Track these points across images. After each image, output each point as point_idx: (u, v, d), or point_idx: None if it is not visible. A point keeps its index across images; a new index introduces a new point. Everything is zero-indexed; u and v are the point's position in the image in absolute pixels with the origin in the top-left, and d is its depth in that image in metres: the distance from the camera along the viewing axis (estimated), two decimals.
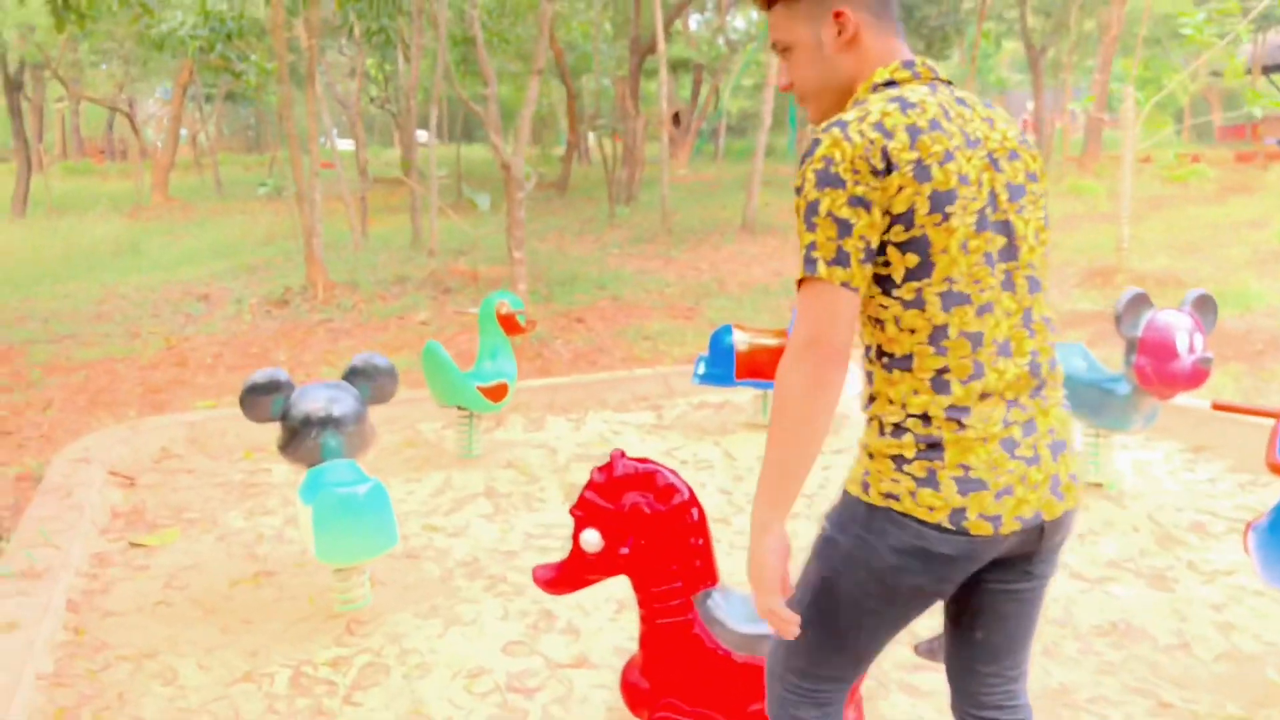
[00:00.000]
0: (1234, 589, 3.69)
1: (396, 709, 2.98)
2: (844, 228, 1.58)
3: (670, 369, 6.89)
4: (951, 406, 1.64)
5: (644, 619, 2.33)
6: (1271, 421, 2.95)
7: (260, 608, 3.68)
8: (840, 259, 1.58)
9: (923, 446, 1.64)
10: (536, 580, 2.37)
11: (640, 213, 16.46)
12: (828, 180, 1.58)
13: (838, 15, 1.72)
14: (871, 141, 1.59)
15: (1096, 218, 14.47)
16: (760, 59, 32.58)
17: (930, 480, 1.63)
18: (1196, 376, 4.24)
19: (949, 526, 1.62)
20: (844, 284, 1.59)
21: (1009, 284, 1.68)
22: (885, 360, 1.69)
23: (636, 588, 2.31)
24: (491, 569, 3.98)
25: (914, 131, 1.61)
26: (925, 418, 1.65)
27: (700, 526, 2.31)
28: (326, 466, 3.65)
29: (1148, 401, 4.47)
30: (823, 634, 1.77)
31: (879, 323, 1.68)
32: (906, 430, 1.65)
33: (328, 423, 3.69)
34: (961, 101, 1.71)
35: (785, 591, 1.68)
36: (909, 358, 1.66)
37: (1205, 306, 4.41)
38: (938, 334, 1.64)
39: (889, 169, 1.58)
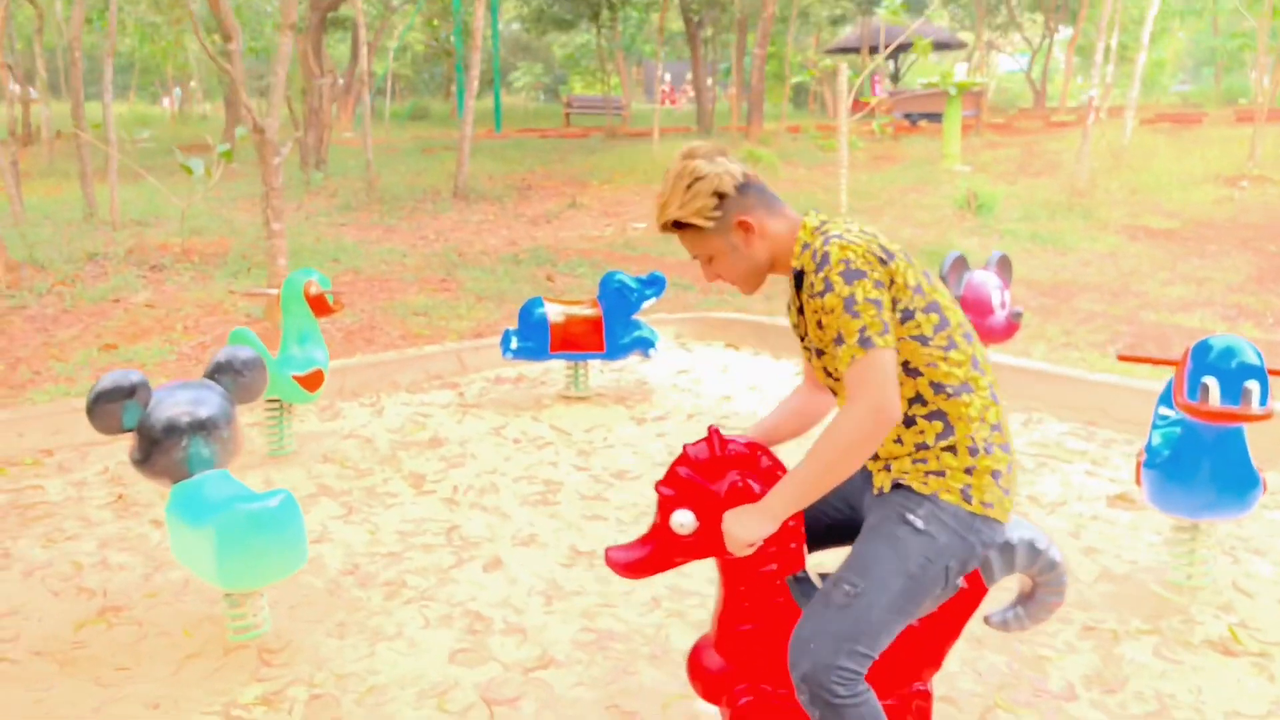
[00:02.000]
0: (1075, 517, 4.15)
1: None
2: (878, 305, 1.96)
3: (459, 344, 6.60)
4: (1003, 411, 2.09)
5: (729, 600, 2.21)
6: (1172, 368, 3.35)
7: (126, 650, 3.14)
8: (885, 329, 1.96)
9: (1006, 457, 2.07)
10: (613, 563, 2.17)
11: (334, 179, 15.54)
12: (853, 275, 1.96)
13: (742, 225, 2.12)
14: (868, 240, 2.01)
15: (779, 184, 15.51)
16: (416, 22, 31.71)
17: (1009, 490, 2.08)
18: (1010, 330, 4.68)
19: (1005, 520, 2.11)
20: (890, 347, 1.96)
21: None
22: (947, 393, 2.04)
23: (725, 569, 2.20)
24: (383, 575, 3.64)
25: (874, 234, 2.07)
26: (998, 426, 2.06)
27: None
28: (201, 480, 3.16)
29: None
30: (899, 615, 2.04)
31: (930, 365, 2.04)
32: (993, 445, 2.05)
33: (196, 428, 3.18)
34: None
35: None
36: (965, 384, 2.05)
37: (1005, 266, 4.87)
38: (974, 363, 2.07)
39: (889, 257, 2.00)
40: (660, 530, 2.14)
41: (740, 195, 2.12)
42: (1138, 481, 3.41)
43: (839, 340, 1.97)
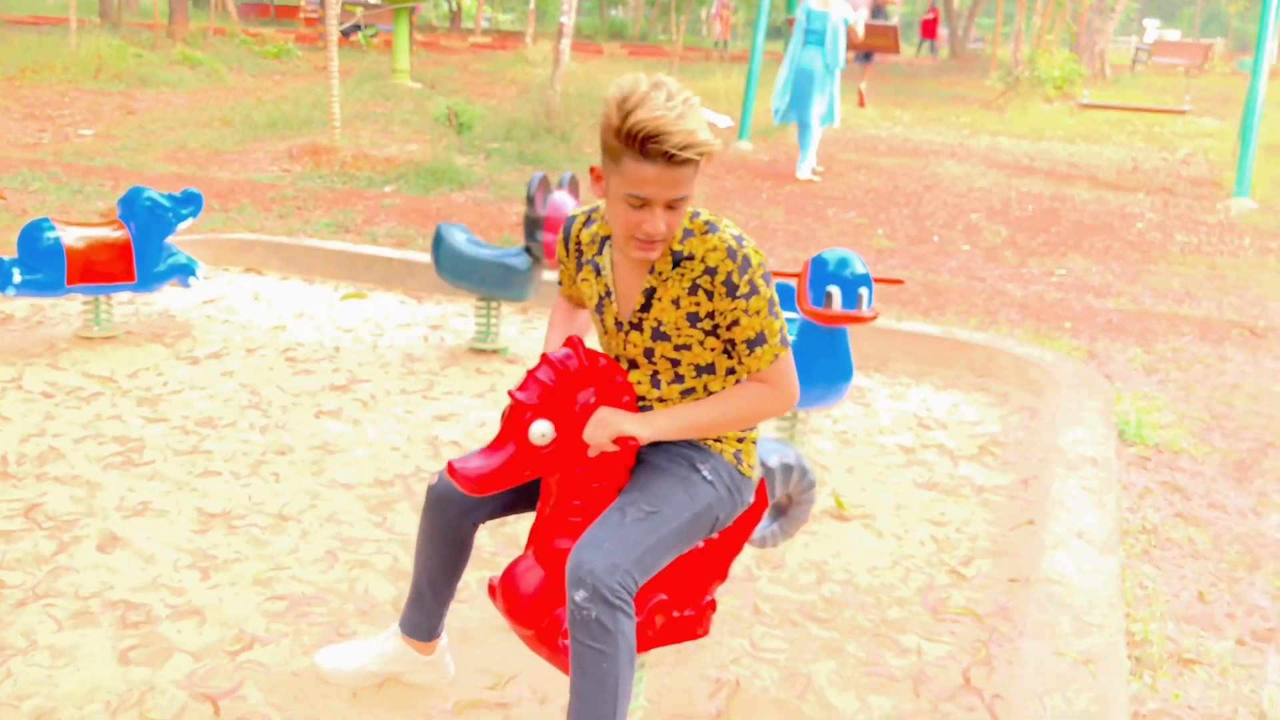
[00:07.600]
0: None
1: None
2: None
3: None
4: None
5: (560, 512, 2.12)
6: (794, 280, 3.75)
7: None
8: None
9: (756, 432, 2.33)
10: (462, 476, 1.97)
11: None
12: (769, 278, 2.13)
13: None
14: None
15: (229, 94, 14.30)
16: None
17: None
18: None
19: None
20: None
21: None
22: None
23: (563, 483, 2.11)
24: None
25: None
26: None
27: None
28: None
29: (540, 274, 5.05)
30: (675, 546, 2.15)
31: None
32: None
33: None
34: None
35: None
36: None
37: (574, 186, 5.10)
38: None
39: None
40: (512, 440, 2.00)
41: None
42: None
43: (759, 340, 2.09)
